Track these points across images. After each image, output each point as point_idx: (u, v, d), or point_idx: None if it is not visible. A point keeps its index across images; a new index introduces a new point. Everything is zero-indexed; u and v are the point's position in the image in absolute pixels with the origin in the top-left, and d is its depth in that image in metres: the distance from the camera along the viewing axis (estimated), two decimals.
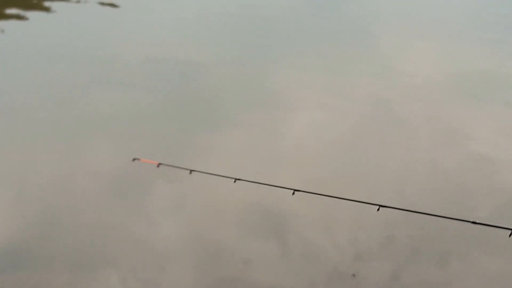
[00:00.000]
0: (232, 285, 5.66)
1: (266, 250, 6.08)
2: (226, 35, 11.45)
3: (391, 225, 6.27)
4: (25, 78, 9.62)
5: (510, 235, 4.14)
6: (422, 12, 13.44)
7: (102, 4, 12.96)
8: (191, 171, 5.59)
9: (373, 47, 10.95)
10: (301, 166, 7.38)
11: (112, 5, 12.96)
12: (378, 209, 4.68)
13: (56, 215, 6.60)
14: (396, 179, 7.23)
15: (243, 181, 5.30)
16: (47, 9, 12.46)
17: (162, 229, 6.38)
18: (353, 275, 5.75)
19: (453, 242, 6.15)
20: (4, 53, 10.53)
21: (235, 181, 5.30)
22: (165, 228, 6.39)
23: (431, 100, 9.19)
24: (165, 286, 5.69)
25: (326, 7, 13.31)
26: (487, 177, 7.34)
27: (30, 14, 12.23)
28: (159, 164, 5.79)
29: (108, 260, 5.96)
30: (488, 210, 6.60)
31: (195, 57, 10.31)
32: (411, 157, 7.69)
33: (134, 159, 6.00)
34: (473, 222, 4.35)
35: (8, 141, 7.92)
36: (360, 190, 6.73)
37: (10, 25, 11.81)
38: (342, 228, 6.35)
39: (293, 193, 5.03)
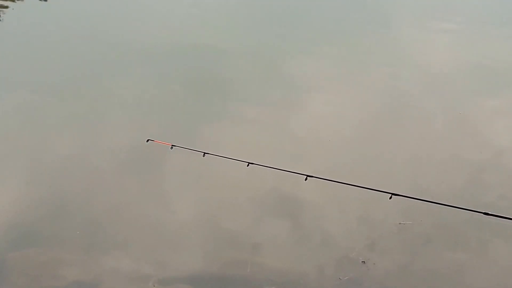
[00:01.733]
0: (242, 268, 5.63)
1: (276, 234, 6.04)
2: (244, 21, 11.42)
3: (403, 214, 6.20)
4: (44, 60, 9.63)
5: None
6: (439, 2, 13.28)
7: None
8: (204, 153, 5.57)
9: (391, 37, 10.88)
10: (315, 152, 7.33)
11: None
12: (391, 197, 4.66)
13: (70, 194, 6.60)
14: (410, 168, 7.16)
15: (256, 165, 5.27)
16: None
17: (174, 210, 6.37)
18: (363, 261, 5.69)
19: (465, 231, 6.09)
20: (24, 35, 10.54)
21: (248, 165, 5.29)
22: (177, 209, 6.38)
23: (447, 90, 9.09)
24: (176, 266, 5.68)
25: None
26: (501, 168, 7.26)
27: None
28: (172, 146, 5.78)
29: (119, 239, 5.97)
30: (501, 200, 6.52)
31: (211, 42, 10.28)
32: (426, 147, 7.61)
33: (148, 140, 5.96)
34: (485, 213, 4.34)
35: (26, 121, 7.93)
36: (374, 178, 6.64)
37: (30, 7, 11.79)
38: (354, 215, 6.31)
39: (306, 179, 5.03)
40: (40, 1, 12.02)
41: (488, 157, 7.42)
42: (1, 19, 11.17)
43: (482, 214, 4.35)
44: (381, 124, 8.08)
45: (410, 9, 12.35)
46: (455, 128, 8.07)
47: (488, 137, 7.83)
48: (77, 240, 5.90)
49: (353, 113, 8.30)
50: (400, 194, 4.64)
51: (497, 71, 9.74)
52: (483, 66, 9.83)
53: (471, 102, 8.77)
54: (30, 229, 6.04)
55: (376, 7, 12.32)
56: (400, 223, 6.13)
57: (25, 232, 5.98)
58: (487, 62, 9.97)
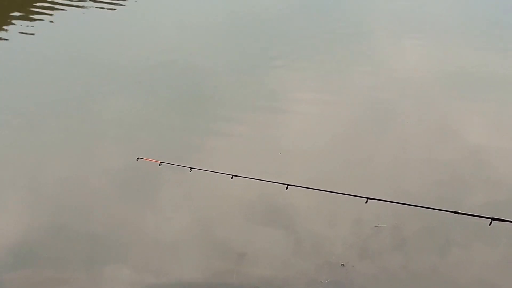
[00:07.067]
0: (228, 276, 5.65)
1: (259, 242, 6.05)
2: (224, 38, 11.39)
3: (379, 217, 6.21)
4: (33, 85, 9.53)
5: (490, 224, 4.21)
6: (414, 9, 13.36)
7: (104, 9, 12.89)
8: (191, 168, 5.60)
9: (367, 46, 10.90)
10: (296, 162, 7.32)
11: (113, 9, 12.90)
12: (366, 202, 4.68)
13: (65, 213, 6.55)
14: (389, 173, 7.16)
15: (240, 177, 5.30)
16: (49, 16, 12.42)
17: (165, 224, 6.35)
18: (342, 264, 5.72)
19: (439, 231, 6.12)
20: (12, 62, 10.47)
21: (232, 177, 5.32)
22: (168, 223, 6.36)
23: (423, 96, 9.10)
24: (166, 278, 5.68)
25: (319, 9, 13.24)
26: (476, 169, 7.28)
27: (34, 22, 12.17)
28: (161, 163, 5.79)
29: (113, 255, 5.94)
30: (475, 200, 6.55)
31: (193, 60, 10.22)
32: (404, 152, 7.62)
33: (138, 159, 5.97)
34: (456, 212, 4.37)
35: (21, 144, 7.86)
36: (351, 184, 6.66)
37: (16, 33, 11.74)
38: (333, 221, 6.32)
39: (287, 188, 5.03)
40: (27, 27, 11.95)
41: (465, 160, 7.45)
42: None
43: (453, 213, 4.37)
44: (361, 133, 8.08)
45: (384, 22, 12.38)
46: (433, 134, 8.06)
47: (465, 141, 7.83)
48: (72, 259, 5.86)
49: (331, 124, 8.29)
50: (375, 198, 4.67)
51: (469, 77, 9.80)
52: (459, 73, 9.88)
53: (448, 107, 8.77)
54: (26, 250, 5.97)
55: (352, 20, 12.37)
56: (376, 226, 6.16)
57: (20, 253, 5.92)
58: (462, 69, 10.03)
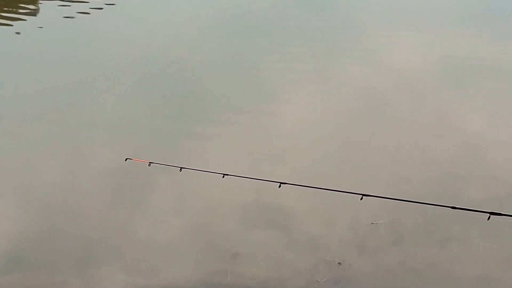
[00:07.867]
0: (222, 276, 5.55)
1: (253, 242, 5.97)
2: (214, 35, 11.40)
3: (375, 213, 6.13)
4: (19, 87, 9.50)
5: (488, 219, 4.17)
6: (407, 1, 13.41)
7: (93, 8, 12.87)
8: (181, 168, 5.53)
9: (361, 39, 10.90)
10: (288, 160, 7.25)
11: (100, 10, 12.88)
12: (361, 198, 4.62)
13: (55, 216, 6.48)
14: (384, 169, 7.08)
15: (231, 176, 5.24)
16: (35, 18, 12.42)
17: (156, 225, 6.27)
18: (339, 263, 5.63)
19: (437, 226, 6.04)
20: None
21: (223, 177, 5.25)
22: (159, 224, 6.29)
23: (418, 90, 9.05)
24: (160, 278, 5.59)
25: (311, 4, 13.24)
26: (473, 164, 7.23)
27: (19, 23, 12.16)
28: (150, 163, 5.72)
29: (105, 257, 5.84)
30: (473, 195, 6.48)
31: (183, 58, 10.22)
32: (399, 147, 7.54)
33: (126, 159, 5.89)
34: (453, 207, 4.31)
35: (9, 147, 7.79)
36: (345, 181, 6.60)
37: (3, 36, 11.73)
38: (328, 218, 6.24)
39: (279, 186, 4.98)
40: (12, 28, 11.91)
41: (462, 153, 7.39)
42: None
43: (449, 208, 4.32)
44: (355, 128, 8.02)
45: (379, 12, 12.43)
46: (429, 127, 8.01)
47: (462, 134, 7.80)
48: (63, 262, 5.77)
49: (324, 121, 8.22)
50: (370, 194, 4.61)
51: (465, 68, 9.79)
52: (454, 64, 9.88)
53: (444, 100, 8.73)
54: (16, 253, 5.88)
55: (346, 13, 12.41)
56: (372, 223, 6.07)
57: (10, 257, 5.84)
58: (457, 60, 10.02)
